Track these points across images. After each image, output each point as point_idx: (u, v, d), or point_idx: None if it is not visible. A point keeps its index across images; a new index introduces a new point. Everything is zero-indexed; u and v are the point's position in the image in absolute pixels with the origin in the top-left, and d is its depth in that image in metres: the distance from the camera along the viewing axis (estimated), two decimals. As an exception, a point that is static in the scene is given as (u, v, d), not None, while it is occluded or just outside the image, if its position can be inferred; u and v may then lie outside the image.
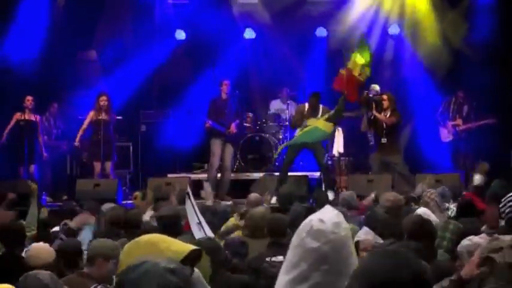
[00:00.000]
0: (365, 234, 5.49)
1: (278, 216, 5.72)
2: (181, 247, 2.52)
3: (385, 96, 11.22)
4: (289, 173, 11.23)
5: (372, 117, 11.19)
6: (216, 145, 11.79)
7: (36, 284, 3.62)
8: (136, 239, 2.62)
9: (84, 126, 11.81)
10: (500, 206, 4.71)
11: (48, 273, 3.76)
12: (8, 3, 12.93)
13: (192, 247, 2.52)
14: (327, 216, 2.13)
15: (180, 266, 2.14)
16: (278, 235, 5.29)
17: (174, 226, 5.70)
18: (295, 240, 2.13)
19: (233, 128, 11.76)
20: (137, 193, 9.44)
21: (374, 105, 11.14)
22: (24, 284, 3.65)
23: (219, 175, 11.92)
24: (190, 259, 2.47)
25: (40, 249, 5.04)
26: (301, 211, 6.00)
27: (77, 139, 11.86)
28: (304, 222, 2.15)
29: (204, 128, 12.04)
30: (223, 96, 11.91)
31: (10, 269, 4.94)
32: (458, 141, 12.21)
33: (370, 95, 11.22)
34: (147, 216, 7.47)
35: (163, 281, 2.03)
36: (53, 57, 13.21)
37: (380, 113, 11.16)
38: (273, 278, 3.63)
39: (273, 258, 4.68)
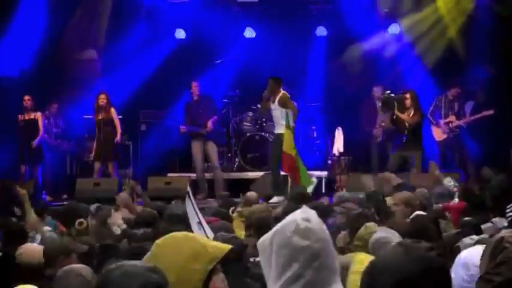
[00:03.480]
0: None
1: (264, 215, 5.71)
2: (220, 244, 2.50)
3: (407, 95, 11.22)
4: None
5: (394, 116, 11.22)
6: (195, 146, 11.97)
7: (80, 281, 3.53)
8: (170, 234, 2.54)
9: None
10: (507, 210, 4.72)
11: (89, 269, 3.68)
12: (7, 3, 12.93)
13: (230, 246, 2.50)
14: (310, 215, 2.18)
15: (158, 268, 2.13)
16: (263, 235, 5.27)
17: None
18: (280, 241, 2.14)
19: (210, 125, 11.86)
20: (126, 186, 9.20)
21: (396, 105, 11.16)
22: (67, 280, 3.55)
23: (208, 174, 12.01)
24: (228, 258, 2.44)
25: (30, 249, 5.03)
26: None
27: (92, 154, 11.94)
28: (283, 223, 2.18)
29: (183, 134, 12.20)
30: (195, 97, 12.06)
31: (9, 269, 4.94)
32: (453, 138, 12.19)
33: (392, 95, 11.25)
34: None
35: (145, 279, 2.02)
36: (53, 57, 13.22)
37: (403, 111, 11.16)
38: (257, 278, 3.60)
39: (257, 259, 4.63)
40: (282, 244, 2.13)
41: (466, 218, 6.00)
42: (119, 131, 11.81)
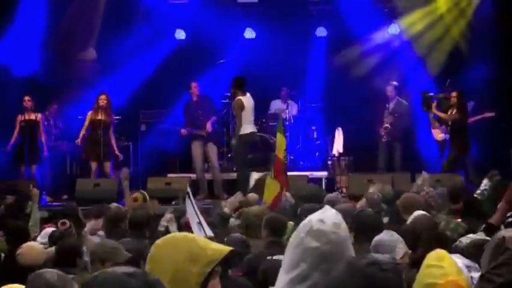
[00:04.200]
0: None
1: (277, 215, 5.71)
2: (220, 246, 2.47)
3: (454, 93, 11.26)
4: (289, 173, 11.21)
5: (432, 115, 11.39)
6: (195, 148, 12.00)
7: (43, 283, 3.58)
8: (171, 235, 2.55)
9: (85, 125, 11.79)
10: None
11: (55, 271, 3.71)
12: (6, 3, 12.93)
13: (230, 248, 2.46)
14: (327, 216, 2.15)
15: (140, 271, 2.10)
16: (277, 234, 5.28)
17: None
18: (294, 240, 2.14)
19: (208, 126, 11.89)
20: (137, 194, 9.19)
21: (435, 104, 11.23)
22: (32, 283, 3.61)
23: (208, 175, 12.04)
24: (227, 260, 2.42)
25: (31, 248, 5.02)
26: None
27: (79, 137, 11.79)
28: (303, 222, 2.16)
29: (181, 136, 12.24)
30: (194, 98, 12.10)
31: (12, 268, 4.95)
32: None
33: (431, 94, 11.32)
34: (165, 220, 7.16)
35: (122, 285, 2.00)
36: (53, 57, 13.21)
37: (446, 110, 11.19)
38: (273, 277, 3.60)
39: (275, 257, 4.64)
40: (295, 244, 2.12)
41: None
42: (114, 143, 11.87)
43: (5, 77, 12.91)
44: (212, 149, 12.01)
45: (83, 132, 11.77)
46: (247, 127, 11.27)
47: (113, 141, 11.93)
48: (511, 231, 3.43)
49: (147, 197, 8.90)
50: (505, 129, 12.16)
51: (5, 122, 12.22)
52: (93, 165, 11.78)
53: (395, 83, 12.60)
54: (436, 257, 2.78)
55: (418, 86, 13.21)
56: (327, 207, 2.20)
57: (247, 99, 11.29)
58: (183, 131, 12.06)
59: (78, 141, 11.81)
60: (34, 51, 13.10)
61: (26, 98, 11.93)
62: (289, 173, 11.03)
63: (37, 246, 5.09)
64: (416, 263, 3.81)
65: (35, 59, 13.08)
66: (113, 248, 4.65)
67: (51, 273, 3.67)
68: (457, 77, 12.61)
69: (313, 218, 2.15)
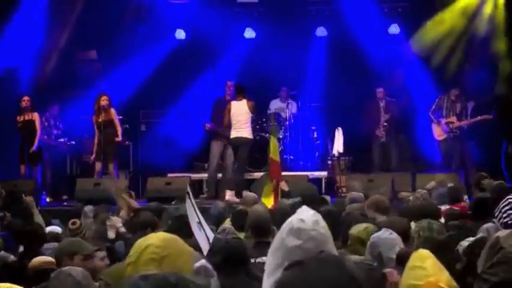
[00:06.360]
0: None
1: (260, 215, 5.65)
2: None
3: None
4: (290, 173, 11.21)
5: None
6: (215, 146, 11.83)
7: (69, 281, 3.55)
8: (152, 235, 2.60)
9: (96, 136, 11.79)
10: (496, 214, 4.73)
11: (80, 270, 3.69)
12: (6, 3, 12.92)
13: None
14: (306, 215, 2.19)
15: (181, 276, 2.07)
16: (262, 234, 5.24)
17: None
18: (276, 242, 2.17)
19: None
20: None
21: None
22: (57, 281, 3.58)
23: (218, 175, 11.96)
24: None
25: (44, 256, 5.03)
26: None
27: (93, 155, 11.81)
28: (284, 224, 2.19)
29: (205, 130, 12.12)
30: (227, 97, 11.96)
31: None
32: (453, 139, 12.20)
33: None
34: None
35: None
36: (53, 57, 13.20)
37: None
38: (258, 280, 3.61)
39: (258, 260, 4.60)
40: (277, 246, 2.14)
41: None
42: (119, 129, 11.82)
43: (5, 77, 12.89)
44: (230, 151, 11.76)
45: (96, 148, 11.75)
46: None
47: (120, 137, 11.86)
48: (506, 232, 3.45)
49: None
50: (505, 130, 12.16)
51: (5, 122, 12.21)
52: (97, 165, 11.78)
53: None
54: (420, 257, 2.78)
55: (418, 86, 13.23)
56: (304, 207, 2.23)
57: None
58: (208, 125, 11.90)
59: (92, 158, 11.85)
60: (34, 51, 13.08)
61: (25, 98, 11.92)
62: (289, 173, 11.11)
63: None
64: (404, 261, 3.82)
65: (34, 58, 13.06)
66: (77, 241, 4.68)
67: (75, 270, 3.64)
68: (457, 76, 12.61)
69: (293, 219, 2.18)
